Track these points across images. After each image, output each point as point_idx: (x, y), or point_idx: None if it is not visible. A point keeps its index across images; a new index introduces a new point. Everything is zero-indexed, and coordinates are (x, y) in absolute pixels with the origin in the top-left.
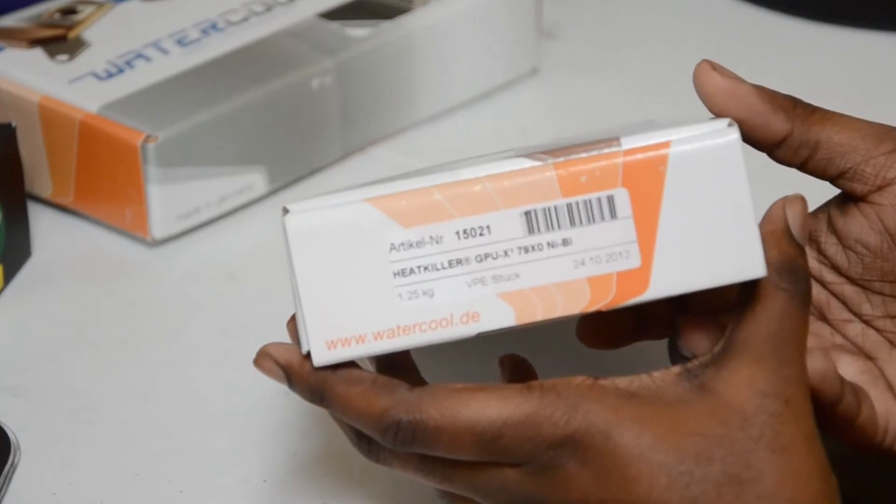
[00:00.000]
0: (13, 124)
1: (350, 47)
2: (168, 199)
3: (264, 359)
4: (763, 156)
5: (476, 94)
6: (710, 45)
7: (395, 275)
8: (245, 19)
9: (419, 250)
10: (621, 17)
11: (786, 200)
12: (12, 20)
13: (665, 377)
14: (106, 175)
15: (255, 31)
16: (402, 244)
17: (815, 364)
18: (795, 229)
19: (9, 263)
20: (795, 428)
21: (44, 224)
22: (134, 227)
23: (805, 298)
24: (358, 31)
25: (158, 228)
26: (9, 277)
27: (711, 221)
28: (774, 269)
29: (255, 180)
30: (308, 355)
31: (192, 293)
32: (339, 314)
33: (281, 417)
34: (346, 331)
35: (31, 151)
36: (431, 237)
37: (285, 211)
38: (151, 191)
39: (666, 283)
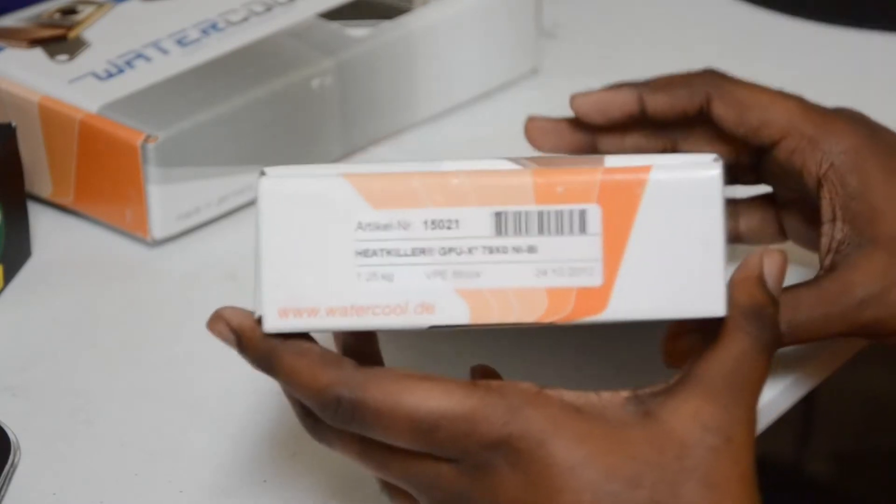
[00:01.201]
0: (13, 124)
1: (350, 47)
2: (168, 199)
3: (217, 321)
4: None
5: (476, 94)
6: (710, 45)
7: (357, 254)
8: (245, 19)
9: (385, 233)
10: (621, 17)
11: (765, 252)
12: (12, 20)
13: (613, 399)
14: (106, 175)
15: (255, 31)
16: (370, 224)
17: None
18: (770, 280)
19: (9, 263)
20: (732, 466)
21: (44, 224)
22: (134, 227)
23: (769, 345)
24: (358, 31)
25: (158, 228)
26: (9, 277)
27: (680, 253)
28: (741, 312)
29: (254, 180)
30: (260, 321)
31: (192, 293)
32: (297, 284)
33: (281, 418)
34: (300, 301)
35: (31, 151)
36: (399, 222)
37: (262, 174)
38: (151, 191)
39: (624, 306)
